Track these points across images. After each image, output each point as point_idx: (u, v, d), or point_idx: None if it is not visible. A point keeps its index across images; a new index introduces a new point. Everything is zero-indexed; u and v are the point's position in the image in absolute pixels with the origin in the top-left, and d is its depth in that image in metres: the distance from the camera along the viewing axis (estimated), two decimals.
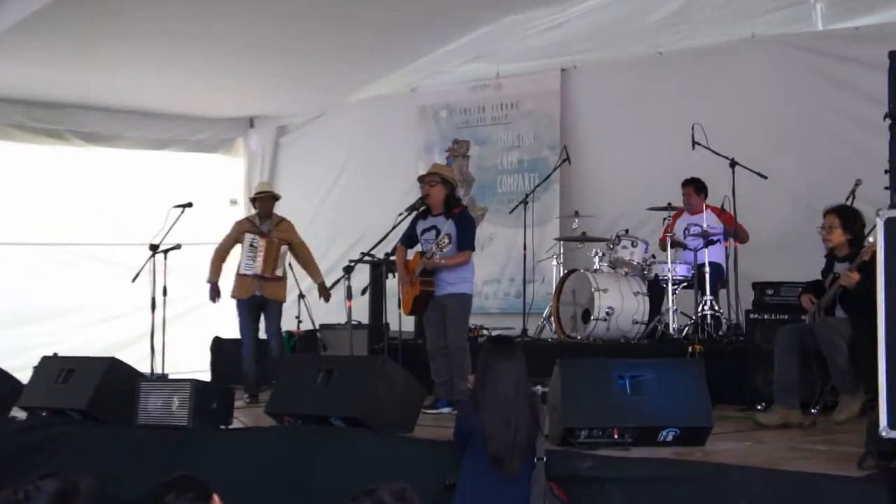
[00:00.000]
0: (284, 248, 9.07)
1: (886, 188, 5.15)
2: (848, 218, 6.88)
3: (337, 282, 8.03)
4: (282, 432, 6.37)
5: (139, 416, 6.81)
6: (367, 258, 8.59)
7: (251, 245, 9.07)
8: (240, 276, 9.08)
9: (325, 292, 9.15)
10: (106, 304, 12.15)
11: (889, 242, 4.68)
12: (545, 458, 4.85)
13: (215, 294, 9.21)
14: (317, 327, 10.39)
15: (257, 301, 9.04)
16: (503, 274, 11.50)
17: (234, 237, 9.27)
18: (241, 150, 13.70)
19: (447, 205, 7.85)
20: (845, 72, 9.42)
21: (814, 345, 6.68)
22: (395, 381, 6.46)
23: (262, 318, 9.12)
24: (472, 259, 7.84)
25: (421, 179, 8.02)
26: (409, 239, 8.07)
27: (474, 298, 8.05)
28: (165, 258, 9.28)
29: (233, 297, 9.14)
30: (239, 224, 9.43)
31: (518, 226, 10.51)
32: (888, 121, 5.14)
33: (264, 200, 9.24)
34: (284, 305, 9.23)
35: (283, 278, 9.12)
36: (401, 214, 7.96)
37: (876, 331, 4.66)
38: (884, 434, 4.59)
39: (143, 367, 8.36)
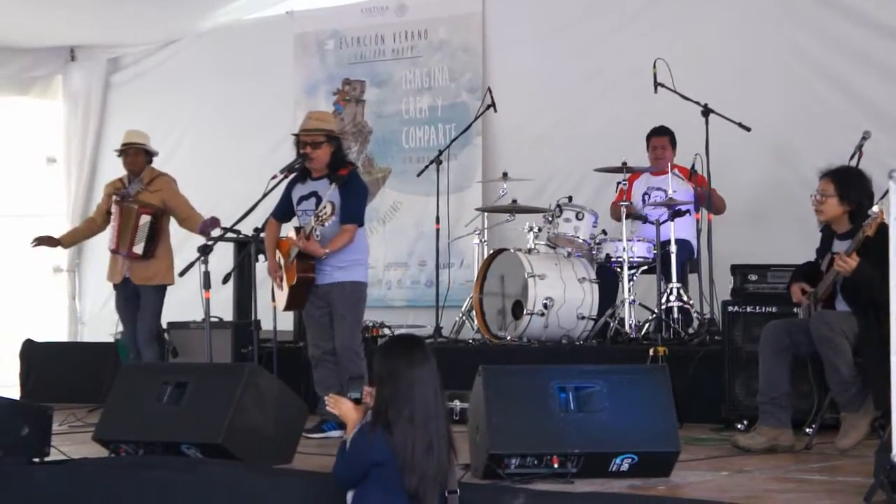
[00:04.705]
0: (147, 218, 8.96)
1: None
2: (847, 184, 6.86)
3: (190, 266, 7.93)
4: (116, 466, 6.30)
5: None
6: (229, 235, 8.54)
7: (108, 212, 9.22)
8: (111, 254, 9.22)
9: (213, 224, 8.96)
10: None
11: None
12: (458, 492, 4.87)
13: (46, 242, 9.35)
14: (164, 326, 10.29)
15: (130, 287, 9.12)
16: (410, 256, 11.53)
17: (105, 203, 9.35)
18: (59, 92, 13.48)
19: (332, 164, 7.81)
20: None
21: (809, 346, 6.79)
22: (269, 397, 6.44)
23: None
24: (361, 235, 7.82)
25: (298, 138, 7.92)
26: (284, 210, 8.01)
27: (373, 287, 8.05)
28: None
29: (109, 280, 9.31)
30: (108, 186, 9.50)
31: (430, 192, 10.53)
32: None
33: (129, 155, 9.23)
34: None
35: (155, 257, 9.06)
36: (275, 177, 7.89)
37: (887, 328, 4.74)
38: None
39: None
